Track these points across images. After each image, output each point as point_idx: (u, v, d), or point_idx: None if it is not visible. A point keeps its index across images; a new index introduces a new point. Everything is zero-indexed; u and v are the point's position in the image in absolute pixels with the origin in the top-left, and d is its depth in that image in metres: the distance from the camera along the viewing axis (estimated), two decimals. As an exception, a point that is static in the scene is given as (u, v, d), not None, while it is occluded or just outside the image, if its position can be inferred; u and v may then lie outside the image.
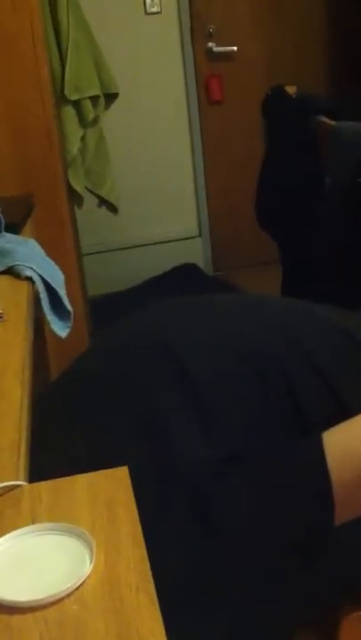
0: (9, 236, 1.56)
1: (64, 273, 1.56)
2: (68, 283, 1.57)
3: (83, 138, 2.41)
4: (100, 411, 0.98)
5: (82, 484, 0.74)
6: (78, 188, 2.38)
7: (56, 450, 0.95)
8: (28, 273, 1.39)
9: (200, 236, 3.73)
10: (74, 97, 2.31)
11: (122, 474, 0.75)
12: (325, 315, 1.09)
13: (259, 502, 0.84)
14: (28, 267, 1.40)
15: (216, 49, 3.47)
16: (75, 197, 2.43)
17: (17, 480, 0.76)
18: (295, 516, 0.84)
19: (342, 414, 0.90)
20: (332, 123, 1.80)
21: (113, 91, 2.53)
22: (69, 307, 1.52)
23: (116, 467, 0.76)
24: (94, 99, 2.40)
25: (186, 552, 0.81)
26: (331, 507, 0.82)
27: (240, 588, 0.85)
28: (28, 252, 1.48)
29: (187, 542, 0.81)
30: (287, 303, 1.18)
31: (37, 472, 0.80)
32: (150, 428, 0.92)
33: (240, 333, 1.03)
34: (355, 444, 0.84)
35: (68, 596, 0.61)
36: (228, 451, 0.88)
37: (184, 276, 3.53)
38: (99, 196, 2.60)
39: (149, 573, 0.62)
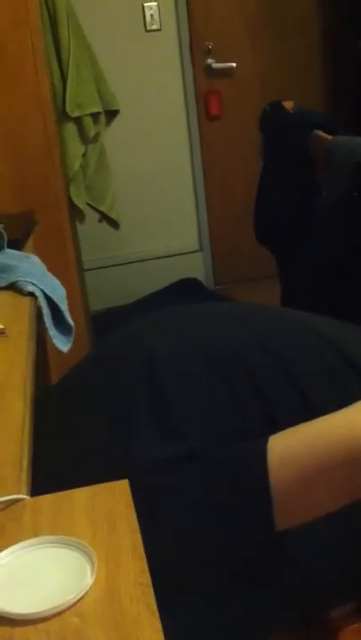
0: (11, 252, 1.58)
1: (66, 288, 1.57)
2: (69, 298, 1.58)
3: (84, 154, 2.43)
4: (79, 421, 1.01)
5: (82, 497, 0.75)
6: (80, 203, 2.40)
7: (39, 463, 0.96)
8: (30, 288, 1.40)
9: (201, 250, 3.75)
10: (75, 114, 2.33)
11: (122, 486, 0.76)
12: (318, 326, 1.10)
13: (200, 500, 0.84)
14: (30, 282, 1.41)
15: (215, 65, 3.50)
16: (76, 213, 2.44)
17: (19, 494, 0.77)
18: (232, 516, 0.83)
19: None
20: (329, 137, 1.81)
21: (114, 107, 2.55)
22: (71, 322, 1.53)
23: (88, 475, 0.78)
24: (95, 115, 2.43)
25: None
26: (268, 506, 0.81)
27: (195, 591, 0.85)
28: (30, 268, 1.49)
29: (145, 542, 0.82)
30: (280, 313, 1.19)
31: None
32: (117, 433, 0.94)
33: (219, 340, 1.05)
34: (295, 446, 0.84)
35: (70, 608, 0.62)
36: (187, 450, 0.88)
37: (185, 290, 3.54)
38: (100, 212, 2.61)
39: (150, 585, 0.63)
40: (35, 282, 1.42)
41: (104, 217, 2.64)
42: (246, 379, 0.98)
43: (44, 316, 1.42)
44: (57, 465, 0.95)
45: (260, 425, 0.93)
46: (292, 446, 0.84)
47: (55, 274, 1.57)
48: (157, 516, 0.78)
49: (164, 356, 1.02)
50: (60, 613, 0.61)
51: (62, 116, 2.32)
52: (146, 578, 0.64)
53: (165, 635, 0.58)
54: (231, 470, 0.86)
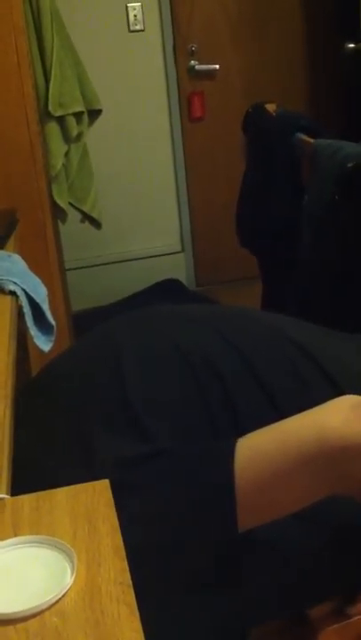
0: (-8, 250, 1.57)
1: (47, 287, 1.57)
2: (51, 297, 1.58)
3: (67, 153, 2.42)
4: (48, 419, 1.01)
5: (63, 497, 0.75)
6: (62, 203, 2.39)
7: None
8: (12, 287, 1.40)
9: (183, 251, 3.75)
10: (58, 113, 2.32)
11: (102, 486, 0.75)
12: (293, 332, 1.10)
13: (162, 497, 0.83)
14: (11, 281, 1.41)
15: (198, 67, 3.50)
16: (58, 212, 2.43)
17: (-1, 493, 0.76)
18: (194, 514, 0.83)
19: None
20: (312, 140, 1.82)
21: (96, 107, 2.55)
22: (52, 321, 1.52)
23: (55, 479, 0.77)
24: (78, 115, 2.42)
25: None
26: (232, 505, 0.81)
27: (187, 589, 0.85)
28: (12, 267, 1.48)
29: None
30: (256, 317, 1.19)
31: None
32: (83, 432, 0.94)
33: (189, 341, 1.05)
34: (263, 445, 0.84)
35: (49, 608, 0.61)
36: (153, 449, 0.88)
37: (167, 291, 3.54)
38: (82, 212, 2.60)
39: (130, 585, 0.63)
40: (16, 281, 1.41)
41: (86, 217, 2.63)
42: (215, 381, 0.98)
43: (26, 316, 1.42)
44: (29, 462, 0.94)
45: (227, 426, 0.94)
46: (260, 445, 0.84)
47: (37, 273, 1.57)
48: (120, 514, 0.78)
49: (132, 356, 1.02)
50: (39, 613, 0.61)
51: (45, 115, 2.31)
52: (126, 577, 0.63)
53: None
54: (196, 468, 0.85)
